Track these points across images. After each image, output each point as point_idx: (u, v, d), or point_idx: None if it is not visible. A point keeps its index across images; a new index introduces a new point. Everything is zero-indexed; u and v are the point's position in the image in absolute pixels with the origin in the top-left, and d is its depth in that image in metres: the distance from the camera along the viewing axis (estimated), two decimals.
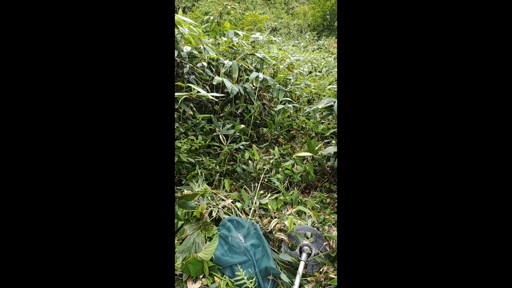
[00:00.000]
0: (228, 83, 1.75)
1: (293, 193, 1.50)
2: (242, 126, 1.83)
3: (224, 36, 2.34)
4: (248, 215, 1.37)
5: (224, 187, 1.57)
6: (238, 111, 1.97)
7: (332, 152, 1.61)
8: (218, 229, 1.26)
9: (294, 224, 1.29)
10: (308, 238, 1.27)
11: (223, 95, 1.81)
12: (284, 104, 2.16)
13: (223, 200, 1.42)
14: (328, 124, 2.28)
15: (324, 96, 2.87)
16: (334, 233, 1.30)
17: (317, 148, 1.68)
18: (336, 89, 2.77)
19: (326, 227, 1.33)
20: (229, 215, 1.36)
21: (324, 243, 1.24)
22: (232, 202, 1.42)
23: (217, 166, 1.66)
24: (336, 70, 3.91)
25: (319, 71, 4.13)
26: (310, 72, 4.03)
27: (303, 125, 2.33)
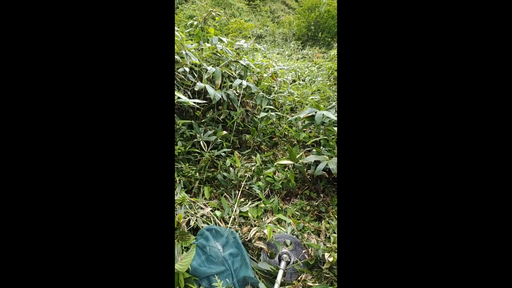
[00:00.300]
0: (210, 89, 1.74)
1: (273, 200, 1.51)
2: (225, 132, 1.82)
3: (208, 42, 2.34)
4: (228, 223, 1.35)
5: (203, 194, 1.54)
6: (221, 118, 1.96)
7: (313, 161, 1.65)
8: (195, 238, 1.22)
9: (273, 232, 1.29)
10: (287, 246, 1.27)
11: (205, 101, 1.80)
12: (267, 111, 2.18)
13: (202, 208, 1.39)
14: (310, 132, 2.34)
15: (307, 105, 2.94)
16: (313, 240, 1.31)
17: (298, 156, 1.71)
18: (317, 100, 2.86)
19: (305, 235, 1.34)
20: (208, 224, 1.33)
21: (303, 251, 1.25)
22: (211, 210, 1.40)
23: (197, 173, 1.63)
24: (318, 79, 4.04)
25: (302, 80, 4.24)
26: (294, 81, 4.12)
27: (286, 133, 2.36)
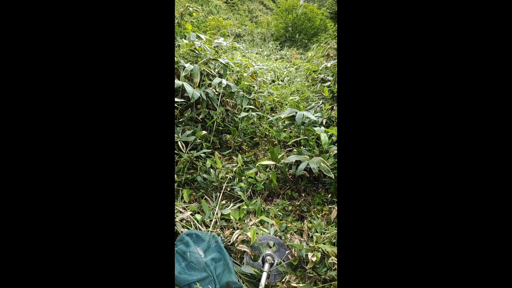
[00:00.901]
0: (188, 87, 1.66)
1: (256, 202, 1.48)
2: (204, 132, 1.75)
3: (185, 38, 2.24)
4: (209, 227, 1.30)
5: (182, 198, 1.47)
6: (200, 117, 1.89)
7: (294, 161, 1.65)
8: (175, 244, 1.16)
9: (257, 234, 1.27)
10: (270, 247, 1.26)
11: (183, 100, 1.72)
12: (248, 111, 2.15)
13: (181, 212, 1.32)
14: (290, 132, 2.35)
15: (286, 105, 2.97)
16: (296, 241, 1.31)
17: (280, 156, 1.70)
18: (297, 100, 2.90)
19: (288, 235, 1.34)
20: (188, 228, 1.27)
21: (287, 252, 1.24)
22: (191, 214, 1.33)
23: (175, 175, 1.55)
24: (297, 80, 4.11)
25: (281, 80, 4.28)
26: (273, 81, 4.15)
27: (266, 133, 2.35)
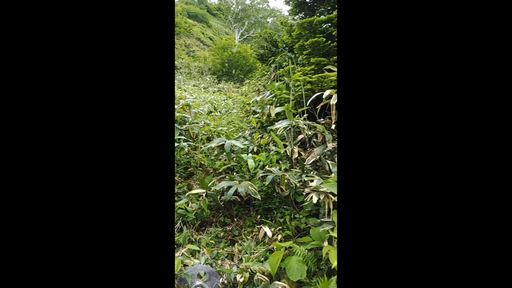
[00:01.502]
0: None
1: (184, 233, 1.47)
2: None
3: None
4: None
5: None
6: None
7: (226, 187, 1.74)
8: None
9: (185, 266, 1.25)
10: (201, 277, 1.25)
11: None
12: (179, 142, 2.18)
13: None
14: (225, 160, 2.47)
15: (222, 135, 3.12)
16: (227, 266, 1.34)
17: (210, 184, 1.76)
18: (231, 130, 3.09)
19: (220, 261, 1.36)
20: None
21: (218, 279, 1.25)
22: None
23: None
24: (234, 111, 4.39)
25: (219, 111, 4.50)
26: (211, 112, 4.32)
27: (202, 162, 2.39)
